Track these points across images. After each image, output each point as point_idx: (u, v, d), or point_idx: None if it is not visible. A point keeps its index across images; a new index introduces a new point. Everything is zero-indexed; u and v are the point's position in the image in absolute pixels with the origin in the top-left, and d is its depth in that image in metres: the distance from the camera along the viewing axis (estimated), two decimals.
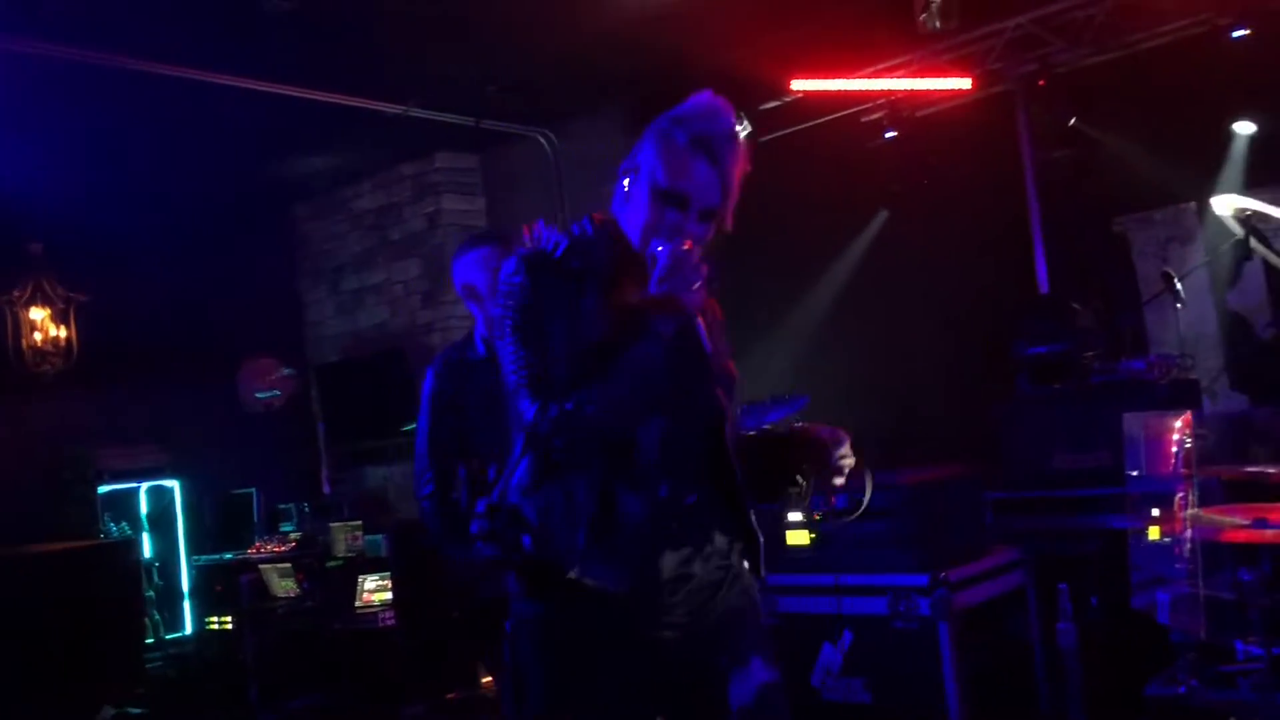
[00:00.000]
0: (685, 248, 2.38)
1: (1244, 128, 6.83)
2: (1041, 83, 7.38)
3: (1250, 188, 6.94)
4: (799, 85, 7.77)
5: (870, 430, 3.51)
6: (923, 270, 7.79)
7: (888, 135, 7.95)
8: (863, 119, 8.31)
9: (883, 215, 8.42)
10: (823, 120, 8.35)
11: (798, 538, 5.57)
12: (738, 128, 2.47)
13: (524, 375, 2.42)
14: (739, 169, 2.49)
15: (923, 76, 7.66)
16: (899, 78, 7.74)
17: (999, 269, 7.67)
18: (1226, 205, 6.37)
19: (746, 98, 3.05)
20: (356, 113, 8.25)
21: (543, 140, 9.47)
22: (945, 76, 7.62)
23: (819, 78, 7.72)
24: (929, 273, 7.77)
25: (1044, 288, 7.70)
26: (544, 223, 2.68)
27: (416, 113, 8.52)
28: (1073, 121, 7.38)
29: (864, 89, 7.78)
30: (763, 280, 7.78)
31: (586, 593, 2.39)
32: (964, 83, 7.55)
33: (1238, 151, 6.93)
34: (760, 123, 7.02)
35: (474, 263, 3.87)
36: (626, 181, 2.54)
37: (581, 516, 2.39)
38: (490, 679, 4.10)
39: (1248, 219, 6.48)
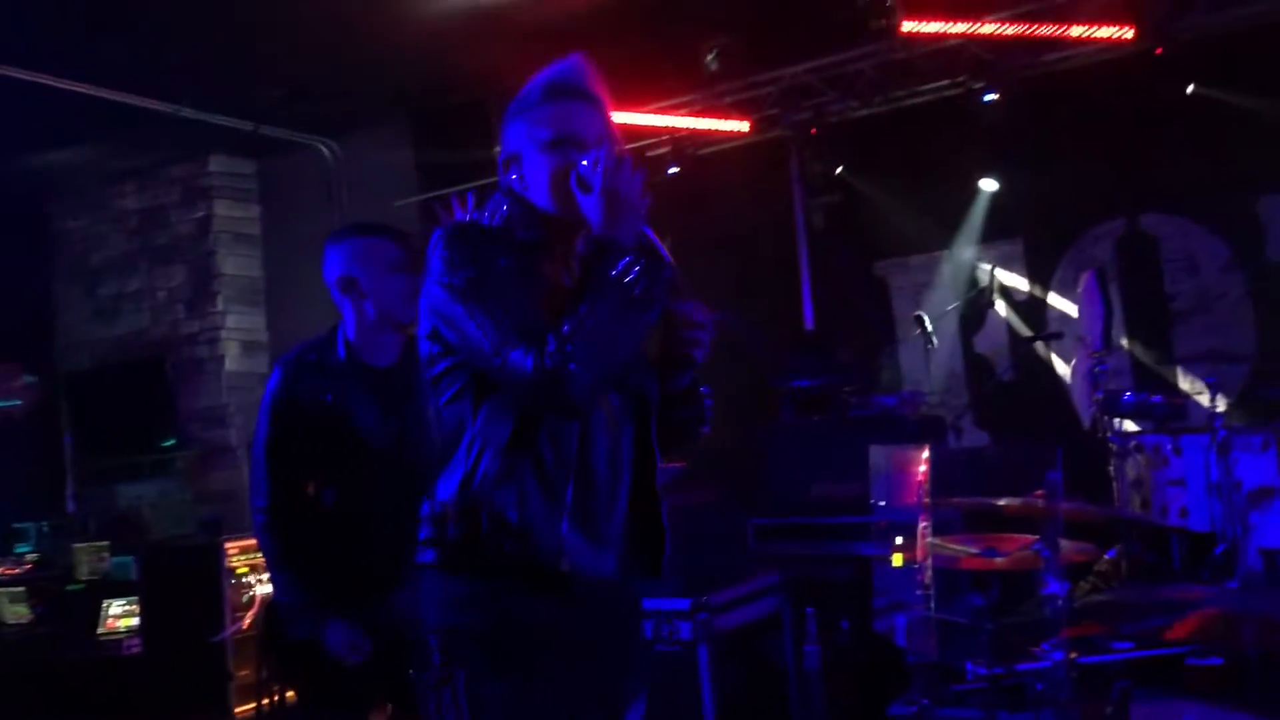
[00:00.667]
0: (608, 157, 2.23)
1: (988, 184, 7.42)
2: (814, 131, 7.78)
3: (987, 241, 7.57)
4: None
5: None
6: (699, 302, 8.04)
7: (670, 171, 8.18)
8: (648, 154, 8.51)
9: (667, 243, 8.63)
10: None
11: None
12: (579, 61, 2.39)
13: (506, 326, 2.19)
14: (605, 94, 2.39)
15: (705, 117, 7.93)
16: (683, 116, 7.98)
17: (771, 305, 8.02)
18: (969, 257, 6.93)
19: None
20: (122, 108, 7.80)
21: (324, 149, 9.23)
22: (726, 118, 7.91)
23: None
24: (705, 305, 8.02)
25: (810, 324, 8.09)
26: (464, 201, 2.56)
27: (189, 113, 8.14)
28: (839, 170, 7.82)
29: (649, 124, 7.97)
30: None
31: (563, 585, 2.25)
32: (742, 125, 7.86)
33: (980, 206, 7.54)
34: None
35: (357, 254, 3.45)
36: (514, 173, 2.40)
37: (562, 500, 2.25)
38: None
39: (990, 272, 7.05)
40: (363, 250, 3.46)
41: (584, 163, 2.25)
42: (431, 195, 8.28)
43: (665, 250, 2.28)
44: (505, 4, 6.99)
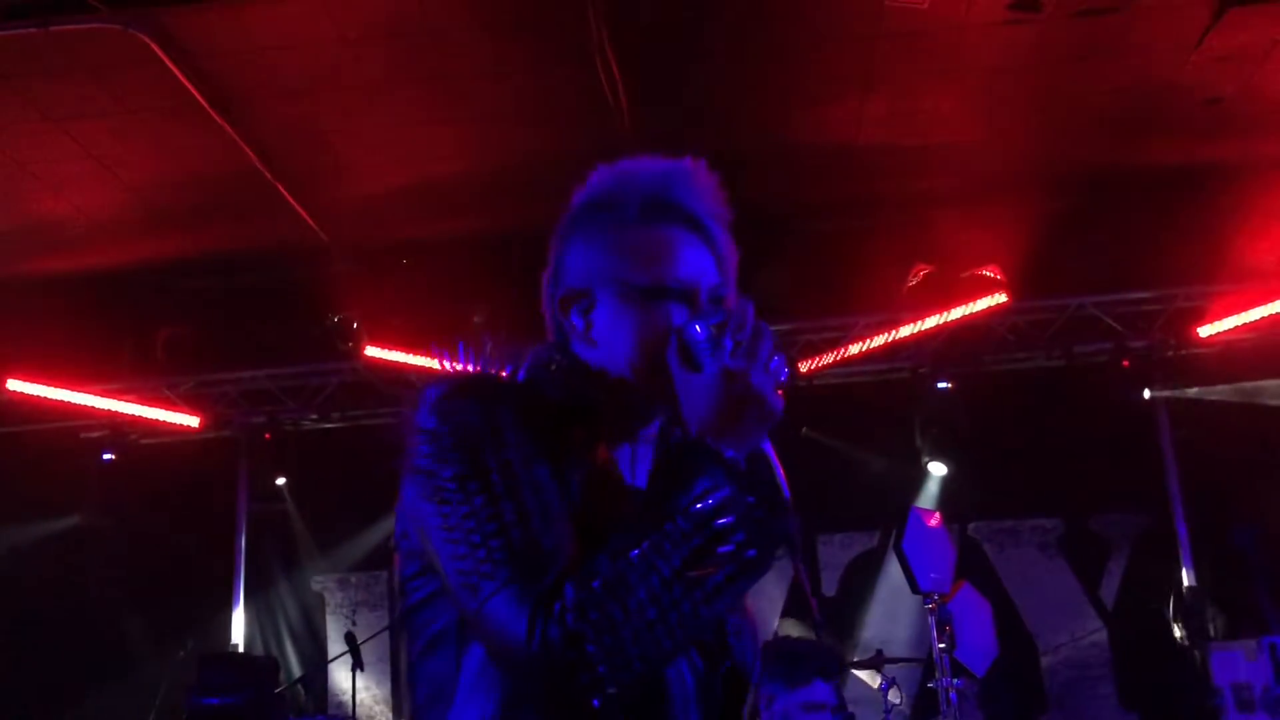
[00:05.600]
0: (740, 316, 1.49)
1: None
2: (268, 436, 7.69)
3: None
4: (15, 385, 7.27)
5: None
6: (113, 605, 7.36)
7: (105, 457, 7.61)
8: (82, 434, 7.88)
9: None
10: (32, 428, 7.74)
11: None
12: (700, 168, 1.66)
13: (497, 548, 1.35)
14: (726, 223, 1.65)
15: (153, 406, 7.57)
16: (127, 401, 7.54)
17: (193, 617, 7.51)
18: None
19: None
20: None
21: None
22: (176, 410, 7.60)
23: (38, 382, 7.29)
24: (117, 609, 7.35)
25: (234, 638, 7.62)
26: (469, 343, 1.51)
27: None
28: (282, 481, 7.71)
29: (85, 404, 7.43)
30: None
31: None
32: (192, 420, 7.59)
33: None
34: None
35: None
36: (577, 317, 1.60)
37: None
38: None
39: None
40: None
41: (696, 328, 1.50)
42: None
43: (785, 484, 1.46)
44: None
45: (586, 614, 1.29)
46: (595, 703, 1.30)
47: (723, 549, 1.34)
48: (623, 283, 1.57)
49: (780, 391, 1.46)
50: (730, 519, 1.35)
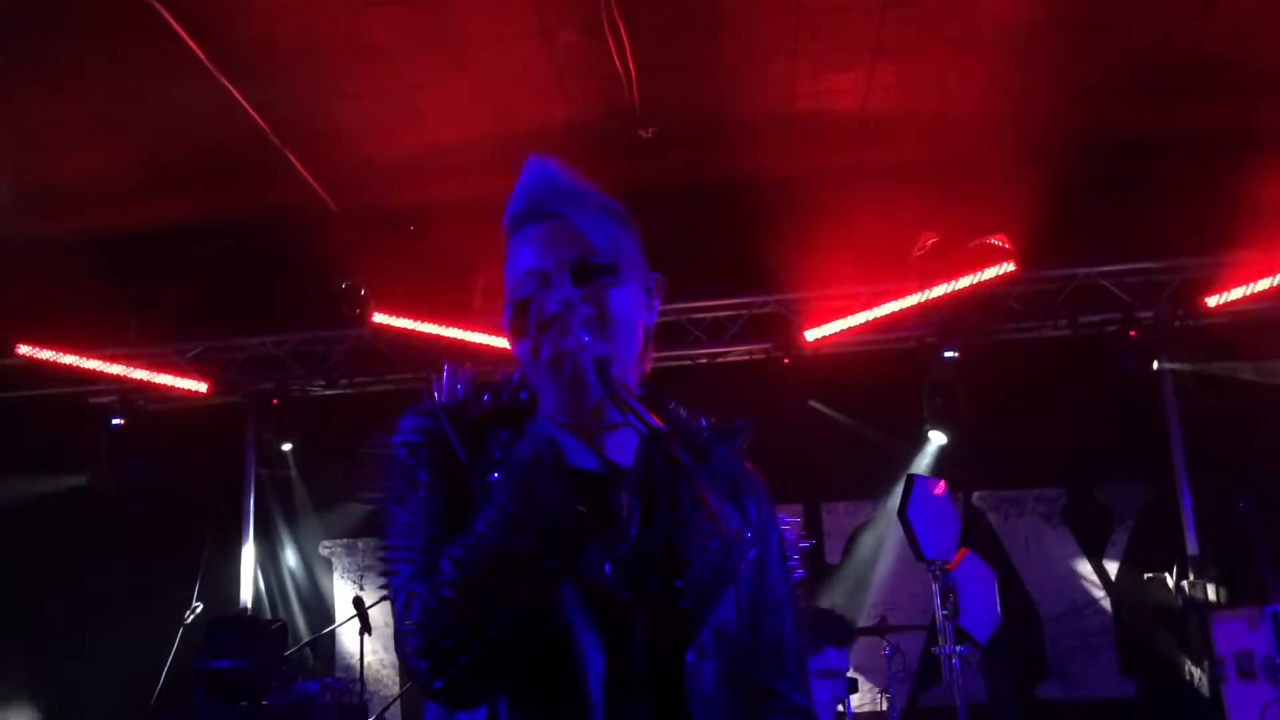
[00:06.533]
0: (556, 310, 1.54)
1: None
2: (275, 402, 7.70)
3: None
4: (25, 350, 7.33)
5: None
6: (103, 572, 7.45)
7: (114, 422, 7.65)
8: (91, 400, 7.92)
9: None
10: (41, 393, 7.78)
11: None
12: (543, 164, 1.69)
13: (416, 542, 1.55)
14: (583, 189, 1.67)
15: (161, 371, 7.59)
16: (136, 367, 7.56)
17: (203, 582, 7.57)
18: None
19: None
20: None
21: None
22: (184, 376, 7.62)
23: (47, 347, 7.33)
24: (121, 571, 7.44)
25: (244, 603, 7.69)
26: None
27: None
28: (288, 447, 7.72)
29: (94, 369, 7.46)
30: None
31: None
32: (200, 386, 7.61)
33: None
34: None
35: None
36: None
37: None
38: None
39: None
40: None
41: (506, 313, 1.60)
42: None
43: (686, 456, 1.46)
44: None
45: (423, 606, 1.45)
46: (438, 685, 1.44)
47: (513, 546, 1.43)
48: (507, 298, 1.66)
49: (600, 364, 1.48)
50: (513, 533, 1.44)
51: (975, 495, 7.65)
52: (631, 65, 5.95)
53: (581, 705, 1.49)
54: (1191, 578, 7.15)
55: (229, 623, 6.68)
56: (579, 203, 1.65)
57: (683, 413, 1.76)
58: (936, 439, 7.47)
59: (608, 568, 1.53)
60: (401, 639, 1.47)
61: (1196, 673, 7.03)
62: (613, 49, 5.78)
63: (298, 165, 6.93)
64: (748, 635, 1.65)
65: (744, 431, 1.77)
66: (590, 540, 1.48)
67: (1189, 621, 7.09)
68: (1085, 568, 7.52)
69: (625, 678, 1.52)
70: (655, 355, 1.74)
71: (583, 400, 1.50)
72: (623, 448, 1.62)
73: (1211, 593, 7.06)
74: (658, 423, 1.43)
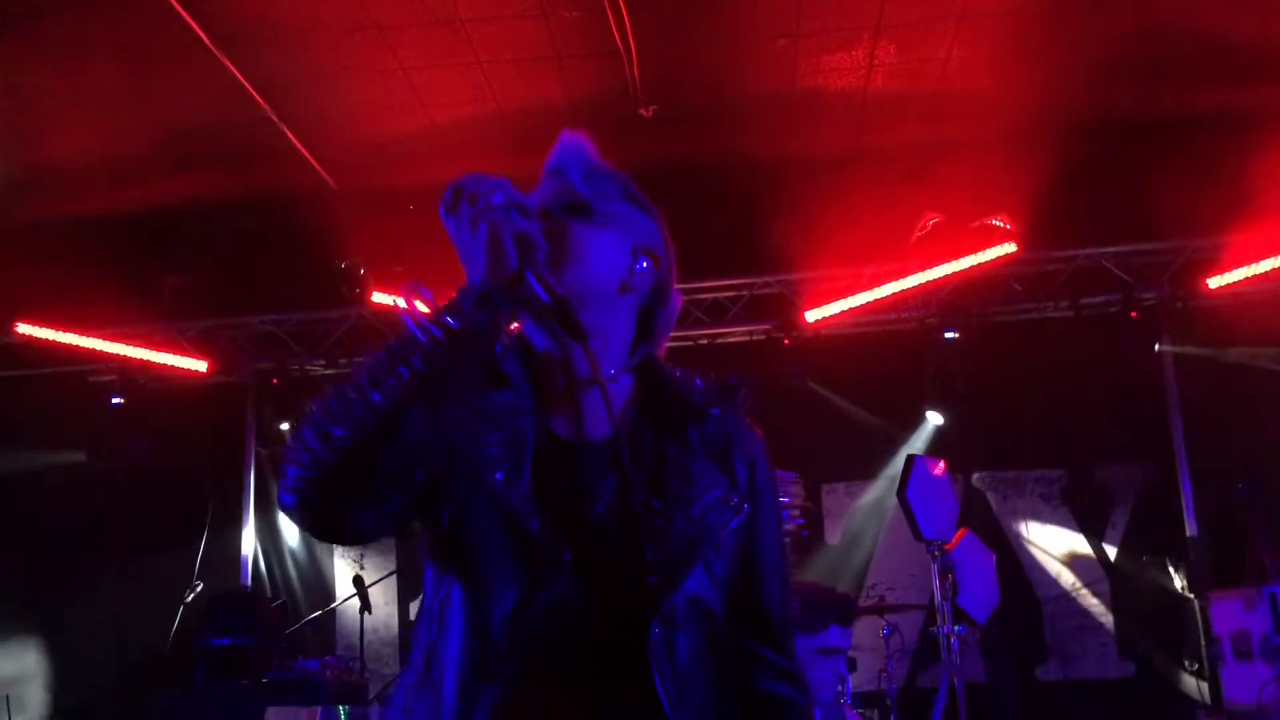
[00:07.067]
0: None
1: None
2: (275, 381, 7.70)
3: None
4: (25, 329, 7.32)
5: None
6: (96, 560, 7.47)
7: (115, 401, 7.66)
8: (91, 378, 7.92)
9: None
10: (41, 371, 7.77)
11: None
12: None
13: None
14: (597, 162, 1.72)
15: (161, 350, 7.58)
16: (136, 345, 7.56)
17: (203, 560, 7.59)
18: None
19: None
20: None
21: None
22: (184, 355, 7.62)
23: (47, 326, 7.32)
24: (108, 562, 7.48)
25: (245, 580, 7.71)
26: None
27: None
28: (287, 426, 7.72)
29: (94, 348, 7.46)
30: None
31: None
32: (200, 365, 7.60)
33: None
34: None
35: None
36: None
37: None
38: None
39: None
40: None
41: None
42: None
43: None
44: None
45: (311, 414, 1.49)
46: (288, 499, 1.46)
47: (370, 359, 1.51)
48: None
49: (521, 239, 1.53)
50: (402, 345, 1.51)
51: (975, 476, 7.65)
52: (632, 43, 5.92)
53: (485, 640, 1.51)
54: (1191, 559, 7.17)
55: (230, 600, 6.70)
56: (587, 168, 1.69)
57: (678, 372, 1.75)
58: (936, 420, 7.47)
59: (535, 524, 1.51)
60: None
61: (1194, 653, 7.05)
62: (613, 26, 5.75)
63: (297, 144, 6.91)
64: (733, 602, 1.62)
65: (739, 389, 1.76)
66: (449, 353, 1.51)
67: (1188, 602, 7.12)
68: (1084, 548, 7.53)
69: (534, 626, 1.50)
70: None
71: (499, 264, 1.54)
72: (603, 422, 1.61)
73: (1209, 574, 7.08)
74: (560, 293, 1.51)
